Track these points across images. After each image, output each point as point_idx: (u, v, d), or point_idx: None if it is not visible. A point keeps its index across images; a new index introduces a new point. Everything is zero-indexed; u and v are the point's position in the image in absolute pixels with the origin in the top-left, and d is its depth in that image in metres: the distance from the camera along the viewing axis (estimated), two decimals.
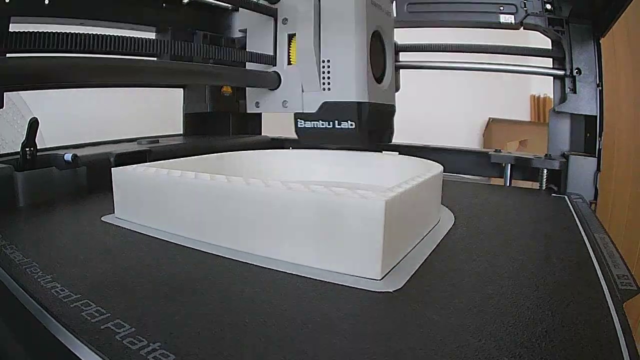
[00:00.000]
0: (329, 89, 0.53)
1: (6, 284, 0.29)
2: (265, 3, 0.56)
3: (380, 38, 0.58)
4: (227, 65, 0.59)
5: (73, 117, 0.99)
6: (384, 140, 0.61)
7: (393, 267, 0.31)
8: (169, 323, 0.24)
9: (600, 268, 0.33)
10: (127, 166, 0.43)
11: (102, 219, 0.43)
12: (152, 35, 0.73)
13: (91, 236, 0.39)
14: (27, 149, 0.50)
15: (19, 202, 0.48)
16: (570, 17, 0.70)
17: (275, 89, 0.56)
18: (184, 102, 0.91)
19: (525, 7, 0.72)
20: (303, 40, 0.53)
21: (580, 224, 0.46)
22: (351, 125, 0.52)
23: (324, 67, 0.53)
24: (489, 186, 0.72)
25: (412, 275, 0.30)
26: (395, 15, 0.78)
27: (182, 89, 0.91)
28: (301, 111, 0.55)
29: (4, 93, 0.54)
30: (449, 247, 0.37)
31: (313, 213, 0.31)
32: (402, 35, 0.87)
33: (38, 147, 0.51)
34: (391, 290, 0.28)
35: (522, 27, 0.74)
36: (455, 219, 0.46)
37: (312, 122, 0.55)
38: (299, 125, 0.56)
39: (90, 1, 0.62)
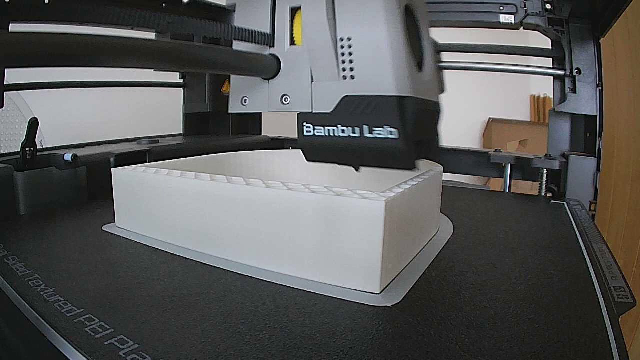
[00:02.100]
0: (352, 76, 0.34)
1: (10, 297, 0.30)
2: None
3: (413, 15, 0.39)
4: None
5: (73, 117, 0.99)
6: (431, 156, 0.40)
7: (393, 280, 0.32)
8: (172, 338, 0.24)
9: (597, 280, 0.33)
10: (127, 167, 0.43)
11: (103, 228, 0.43)
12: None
13: (93, 247, 0.39)
14: (27, 149, 0.50)
15: (19, 201, 0.48)
16: (570, 17, 0.69)
17: (272, 78, 0.39)
18: (184, 102, 0.91)
19: (525, 7, 0.72)
20: (312, 13, 0.36)
21: (579, 233, 0.46)
22: (391, 133, 0.32)
23: (342, 47, 0.35)
24: (488, 193, 0.72)
25: (410, 289, 0.31)
26: None
27: (182, 88, 0.91)
28: (310, 111, 0.36)
29: (4, 93, 0.54)
30: (447, 259, 0.38)
31: (313, 214, 0.31)
32: None
33: (38, 147, 0.51)
34: (390, 305, 0.28)
35: (522, 27, 0.73)
36: (454, 228, 0.47)
37: (327, 128, 0.35)
38: (305, 133, 0.36)
39: (90, 2, 0.61)
